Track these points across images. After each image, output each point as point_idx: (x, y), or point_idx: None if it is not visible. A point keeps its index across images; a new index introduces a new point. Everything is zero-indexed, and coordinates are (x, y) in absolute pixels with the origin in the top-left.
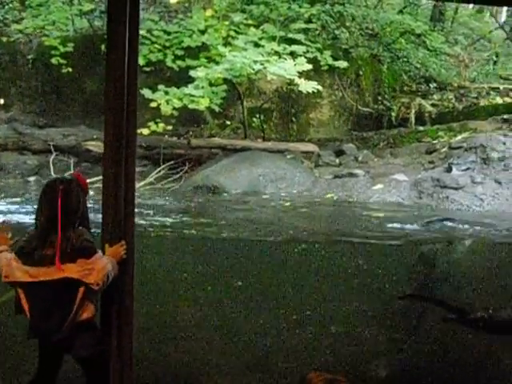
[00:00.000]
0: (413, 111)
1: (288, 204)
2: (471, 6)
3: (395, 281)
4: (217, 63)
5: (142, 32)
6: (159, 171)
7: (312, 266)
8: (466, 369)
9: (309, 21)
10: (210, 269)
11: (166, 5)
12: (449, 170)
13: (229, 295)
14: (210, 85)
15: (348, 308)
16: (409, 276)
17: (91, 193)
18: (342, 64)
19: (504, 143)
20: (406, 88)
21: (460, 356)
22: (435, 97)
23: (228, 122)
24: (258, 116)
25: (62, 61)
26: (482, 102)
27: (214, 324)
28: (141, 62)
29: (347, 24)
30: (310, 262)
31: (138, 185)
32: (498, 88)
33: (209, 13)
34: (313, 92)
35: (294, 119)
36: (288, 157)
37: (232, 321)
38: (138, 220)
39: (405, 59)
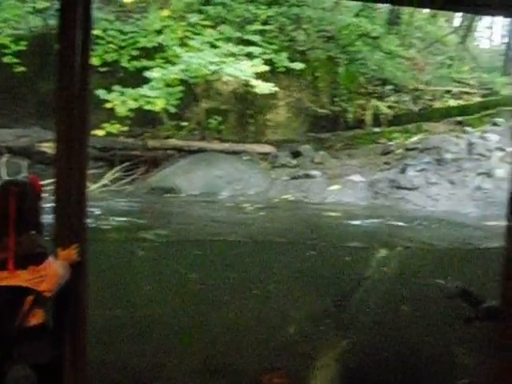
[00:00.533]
0: (369, 113)
1: (244, 205)
2: (427, 10)
3: (348, 280)
4: (173, 64)
5: (96, 32)
6: (114, 173)
7: (269, 266)
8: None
9: (266, 22)
10: (165, 269)
11: (122, 4)
12: (404, 170)
13: (184, 296)
14: (166, 86)
15: (303, 307)
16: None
17: (45, 195)
18: (298, 66)
19: (457, 144)
20: (362, 90)
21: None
22: (391, 99)
23: (185, 124)
24: (214, 117)
25: (14, 60)
26: (437, 105)
27: (170, 326)
28: (96, 62)
29: (304, 26)
30: (267, 261)
31: (92, 187)
32: (452, 91)
33: (165, 13)
34: (270, 93)
35: (251, 120)
36: (245, 158)
37: (188, 322)
38: (91, 222)
39: (361, 61)
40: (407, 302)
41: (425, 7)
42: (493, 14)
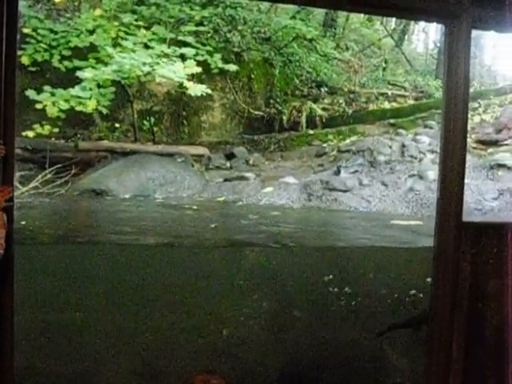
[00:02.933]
0: (304, 115)
1: (176, 207)
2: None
3: (282, 284)
4: (105, 64)
5: (26, 30)
6: (45, 175)
7: (202, 270)
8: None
9: (200, 23)
10: (96, 274)
11: (53, 3)
12: (337, 172)
13: (116, 300)
14: (98, 86)
15: (239, 311)
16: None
17: None
18: (232, 67)
19: (390, 147)
20: (297, 92)
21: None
22: (326, 101)
23: (117, 125)
24: (148, 119)
25: None
26: (371, 107)
27: (102, 331)
28: (25, 61)
29: (239, 27)
30: (200, 265)
31: (22, 189)
32: (387, 93)
33: (98, 12)
34: (204, 95)
35: (185, 122)
36: (178, 160)
37: (122, 327)
38: (18, 225)
39: (297, 63)
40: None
41: (360, 12)
42: (428, 21)
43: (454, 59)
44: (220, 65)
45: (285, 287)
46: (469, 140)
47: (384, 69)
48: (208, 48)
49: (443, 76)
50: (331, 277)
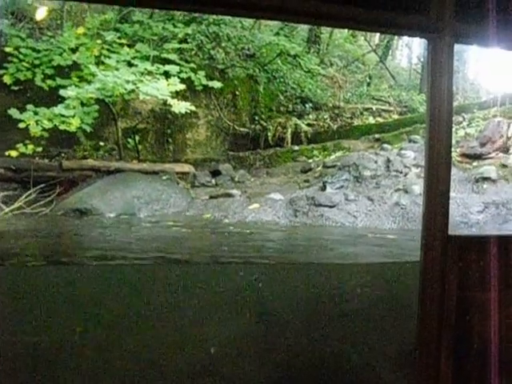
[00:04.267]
0: (289, 131)
1: (163, 225)
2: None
3: (269, 302)
4: (88, 83)
5: (8, 49)
6: (29, 195)
7: (190, 288)
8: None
9: (184, 41)
10: (78, 295)
11: (36, 21)
12: (323, 188)
13: (98, 320)
14: (82, 105)
15: (227, 329)
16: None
17: None
18: (216, 84)
19: (375, 161)
20: (282, 108)
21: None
22: (311, 117)
23: (102, 143)
24: (132, 137)
25: None
26: (356, 122)
27: (81, 353)
28: (8, 80)
29: (223, 44)
30: (188, 283)
31: (5, 209)
32: (371, 108)
33: (80, 31)
34: (189, 112)
35: (170, 140)
36: (164, 178)
37: (103, 346)
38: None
39: (281, 79)
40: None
41: (343, 28)
42: (411, 35)
43: (437, 74)
44: (204, 82)
45: (271, 305)
46: (454, 154)
47: (368, 84)
48: (192, 65)
49: (427, 91)
50: (318, 293)
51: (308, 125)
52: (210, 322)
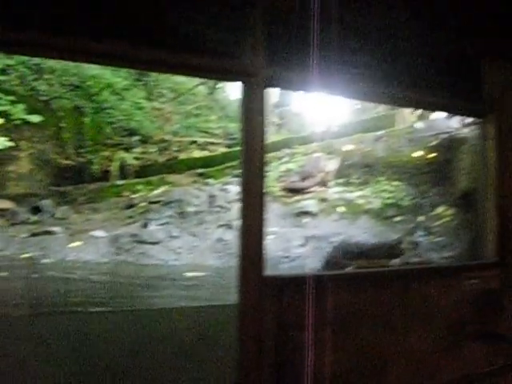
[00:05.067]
0: (115, 164)
1: None
2: None
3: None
4: None
5: None
6: None
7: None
8: None
9: (3, 72)
10: None
11: None
12: (146, 225)
13: None
14: None
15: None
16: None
17: None
18: (36, 118)
19: (199, 197)
20: (109, 141)
21: None
22: (138, 150)
23: None
24: None
25: None
26: (183, 155)
27: None
28: None
29: (46, 76)
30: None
31: None
32: (198, 141)
33: None
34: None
35: None
36: None
37: None
38: None
39: (109, 111)
40: None
41: (160, 72)
42: (225, 80)
43: (250, 116)
44: (22, 115)
45: (86, 354)
46: (275, 188)
47: (197, 116)
48: (11, 97)
49: (241, 133)
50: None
51: (135, 158)
52: None
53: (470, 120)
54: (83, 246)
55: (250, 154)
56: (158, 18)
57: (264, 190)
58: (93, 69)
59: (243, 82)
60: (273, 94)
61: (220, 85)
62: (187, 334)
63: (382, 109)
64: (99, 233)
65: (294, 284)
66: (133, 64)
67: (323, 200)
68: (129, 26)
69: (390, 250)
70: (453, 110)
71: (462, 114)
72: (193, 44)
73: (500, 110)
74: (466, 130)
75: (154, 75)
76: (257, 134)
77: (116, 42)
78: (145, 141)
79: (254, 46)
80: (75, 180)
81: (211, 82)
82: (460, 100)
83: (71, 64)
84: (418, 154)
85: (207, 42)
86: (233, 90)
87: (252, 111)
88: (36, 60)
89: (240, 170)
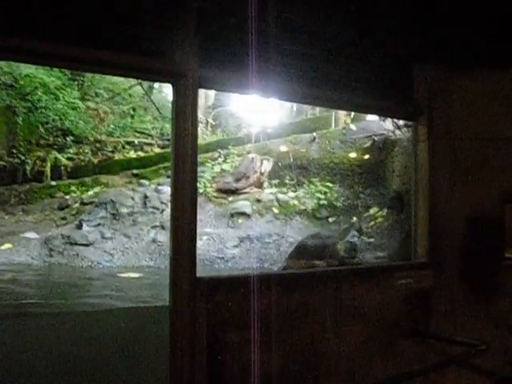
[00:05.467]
0: (48, 165)
1: None
2: None
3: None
4: None
5: None
6: None
7: None
8: None
9: None
10: None
11: None
12: (79, 226)
13: None
14: None
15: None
16: None
17: None
18: None
19: (132, 198)
20: (42, 141)
21: None
22: (72, 150)
23: None
24: None
25: None
26: (117, 156)
27: None
28: None
29: None
30: None
31: None
32: (133, 142)
33: None
34: None
35: None
36: None
37: None
38: None
39: (42, 111)
40: None
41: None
42: (155, 80)
43: (181, 117)
44: None
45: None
46: (210, 189)
47: (132, 116)
48: None
49: (172, 133)
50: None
51: (68, 159)
52: None
53: (402, 122)
54: (14, 247)
55: (181, 155)
56: (87, 16)
57: (196, 191)
58: (26, 68)
59: (175, 83)
60: (208, 95)
61: (157, 85)
62: (120, 335)
63: (317, 110)
64: (31, 234)
65: (225, 285)
66: (55, 62)
67: (258, 201)
68: (56, 24)
69: (325, 250)
70: (386, 112)
71: (395, 116)
72: (123, 43)
73: (430, 112)
74: (398, 132)
75: (89, 75)
76: (188, 135)
77: (42, 40)
78: (79, 141)
79: (186, 46)
80: (7, 181)
81: (148, 83)
82: (392, 102)
83: (3, 63)
84: (352, 155)
85: (138, 40)
86: (170, 91)
87: (183, 112)
88: None
89: (171, 171)
